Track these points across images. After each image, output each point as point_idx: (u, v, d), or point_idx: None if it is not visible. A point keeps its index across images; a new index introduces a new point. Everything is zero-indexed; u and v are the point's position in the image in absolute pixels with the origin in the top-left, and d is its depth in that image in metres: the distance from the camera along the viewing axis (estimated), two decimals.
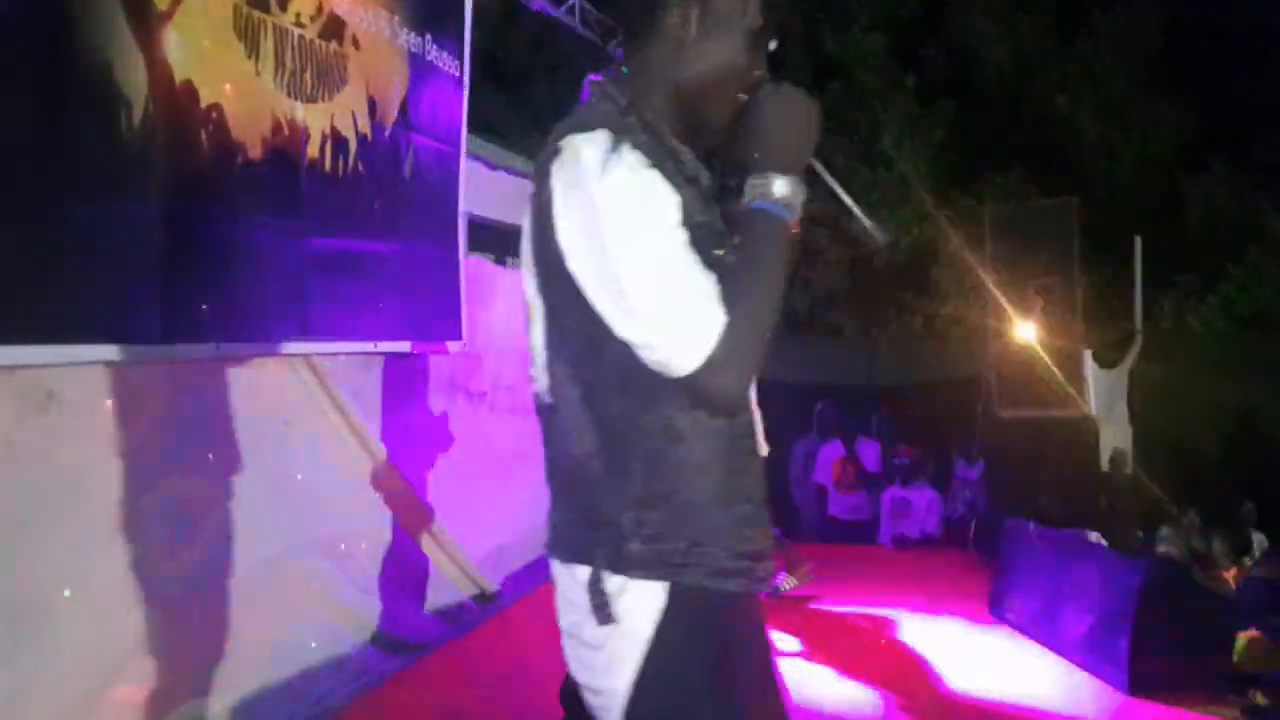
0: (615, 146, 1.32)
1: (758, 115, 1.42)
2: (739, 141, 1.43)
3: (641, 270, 1.30)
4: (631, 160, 1.32)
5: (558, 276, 1.37)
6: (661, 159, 1.37)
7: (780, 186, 1.38)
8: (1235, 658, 4.31)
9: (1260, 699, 3.99)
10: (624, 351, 1.34)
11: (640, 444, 1.39)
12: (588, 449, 1.40)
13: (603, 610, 1.38)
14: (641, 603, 1.38)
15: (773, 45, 1.49)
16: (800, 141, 1.42)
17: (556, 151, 1.35)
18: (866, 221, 1.48)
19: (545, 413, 1.48)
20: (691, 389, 1.32)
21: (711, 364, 1.30)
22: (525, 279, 1.48)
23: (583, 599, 1.40)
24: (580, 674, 1.46)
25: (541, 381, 1.47)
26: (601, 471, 1.40)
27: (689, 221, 1.34)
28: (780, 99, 1.43)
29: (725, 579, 1.40)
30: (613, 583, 1.38)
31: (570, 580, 1.43)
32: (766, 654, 1.56)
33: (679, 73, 1.45)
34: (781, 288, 1.37)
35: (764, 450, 1.68)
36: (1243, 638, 4.45)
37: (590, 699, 1.45)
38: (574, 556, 1.43)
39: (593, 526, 1.41)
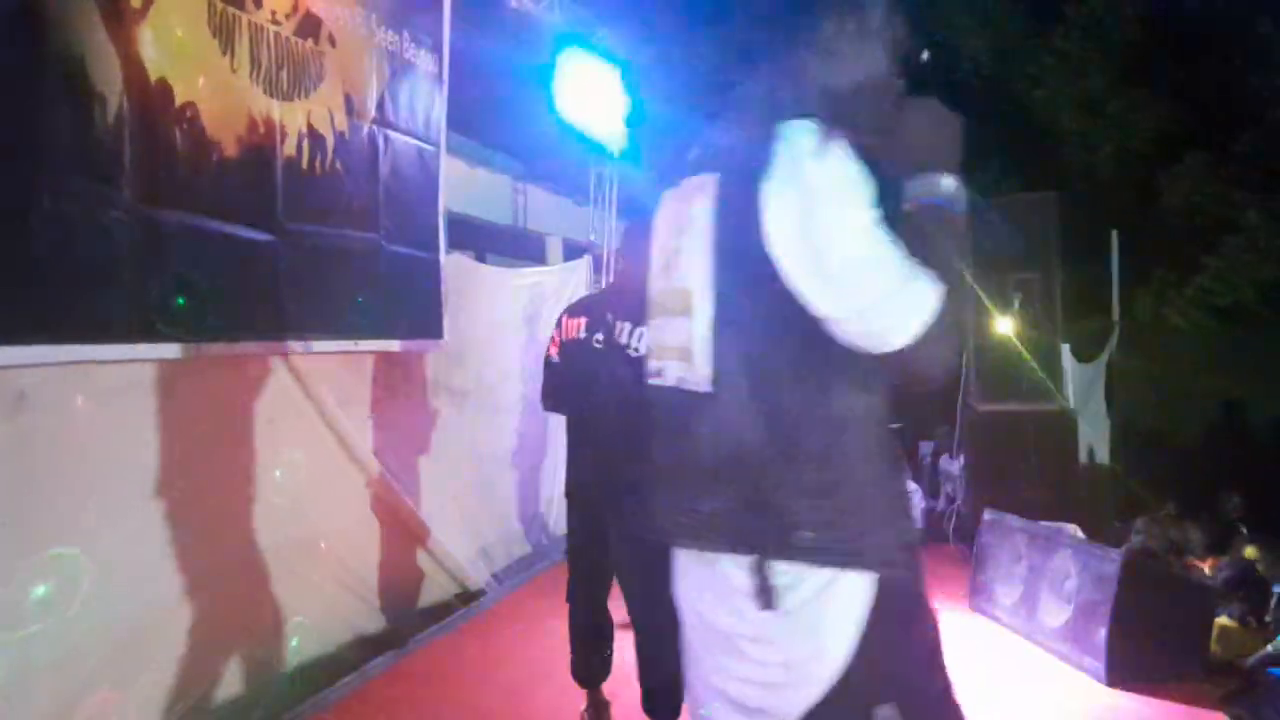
0: (826, 134, 1.39)
1: (916, 121, 1.52)
2: (889, 145, 1.50)
3: (861, 249, 1.36)
4: (840, 147, 1.39)
5: (747, 260, 1.41)
6: None
7: (948, 184, 1.48)
8: (1212, 645, 4.36)
9: (1230, 686, 4.03)
10: (803, 341, 1.40)
11: (813, 433, 1.42)
12: (757, 438, 1.43)
13: (766, 595, 1.41)
14: (817, 590, 1.41)
15: (925, 55, 1.67)
16: (954, 146, 1.52)
17: (767, 141, 1.40)
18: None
19: (699, 402, 1.49)
20: (905, 361, 1.37)
21: (928, 336, 1.36)
22: (682, 269, 1.53)
23: (746, 585, 1.42)
24: (744, 670, 1.46)
25: (699, 371, 1.49)
26: (771, 460, 1.43)
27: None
28: (933, 107, 1.53)
29: (893, 566, 1.44)
30: (782, 570, 1.41)
31: (731, 568, 1.45)
32: (933, 634, 1.66)
33: (830, 79, 1.51)
34: (957, 280, 1.43)
35: None
36: (1218, 625, 4.50)
37: (756, 697, 1.46)
38: (736, 545, 1.45)
39: (759, 514, 1.43)
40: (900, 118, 1.52)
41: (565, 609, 3.52)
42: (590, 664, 3.50)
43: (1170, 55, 10.64)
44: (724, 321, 1.46)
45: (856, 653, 1.40)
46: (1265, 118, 10.31)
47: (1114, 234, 7.22)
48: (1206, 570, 5.34)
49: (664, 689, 3.23)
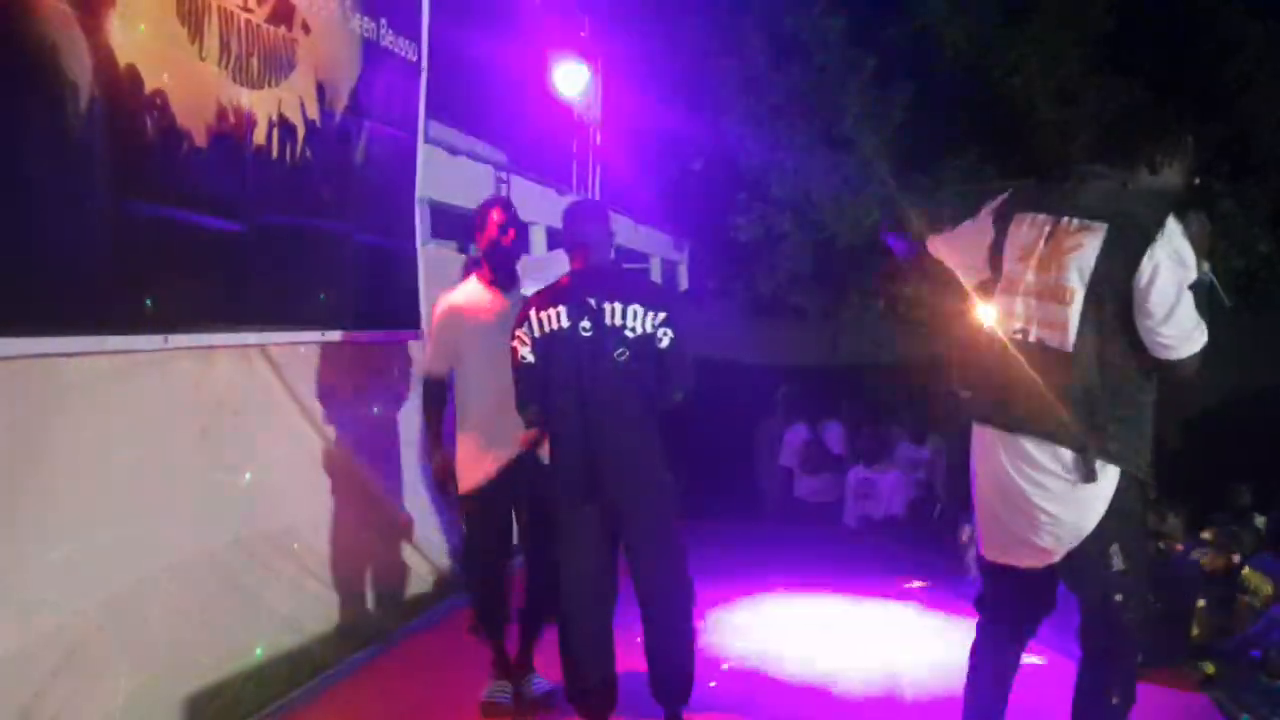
0: (1185, 233, 2.46)
1: (1200, 225, 2.50)
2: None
3: (1187, 300, 2.45)
4: (1186, 242, 2.45)
5: (1119, 283, 2.46)
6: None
7: (1205, 269, 2.48)
8: (1194, 630, 4.39)
9: (1209, 669, 4.06)
10: (1130, 339, 2.50)
11: (1126, 385, 2.53)
12: (1094, 382, 2.50)
13: (1090, 475, 2.50)
14: (1111, 477, 2.51)
15: (1197, 180, 2.70)
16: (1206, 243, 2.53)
17: (1159, 225, 2.44)
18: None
19: (1061, 356, 2.53)
20: (1174, 366, 2.51)
21: (1193, 360, 2.51)
22: (1065, 273, 2.53)
23: (1068, 467, 2.52)
24: (1049, 505, 2.55)
25: (1066, 336, 2.52)
26: (1099, 396, 2.50)
27: None
28: (1204, 219, 2.53)
29: (1149, 477, 2.59)
30: (1097, 462, 2.49)
31: (1054, 456, 2.53)
32: (1140, 509, 2.73)
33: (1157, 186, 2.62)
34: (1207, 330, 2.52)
35: None
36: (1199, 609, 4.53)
37: (1048, 524, 2.58)
38: (1069, 444, 2.51)
39: (1088, 428, 2.50)
40: (1187, 221, 2.47)
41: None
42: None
43: (1144, 43, 10.68)
44: (1090, 312, 2.48)
45: (1105, 515, 2.52)
46: (1238, 106, 10.36)
47: None
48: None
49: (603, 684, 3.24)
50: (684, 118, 10.80)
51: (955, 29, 11.25)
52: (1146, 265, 2.40)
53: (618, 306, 3.12)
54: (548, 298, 3.24)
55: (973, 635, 3.05)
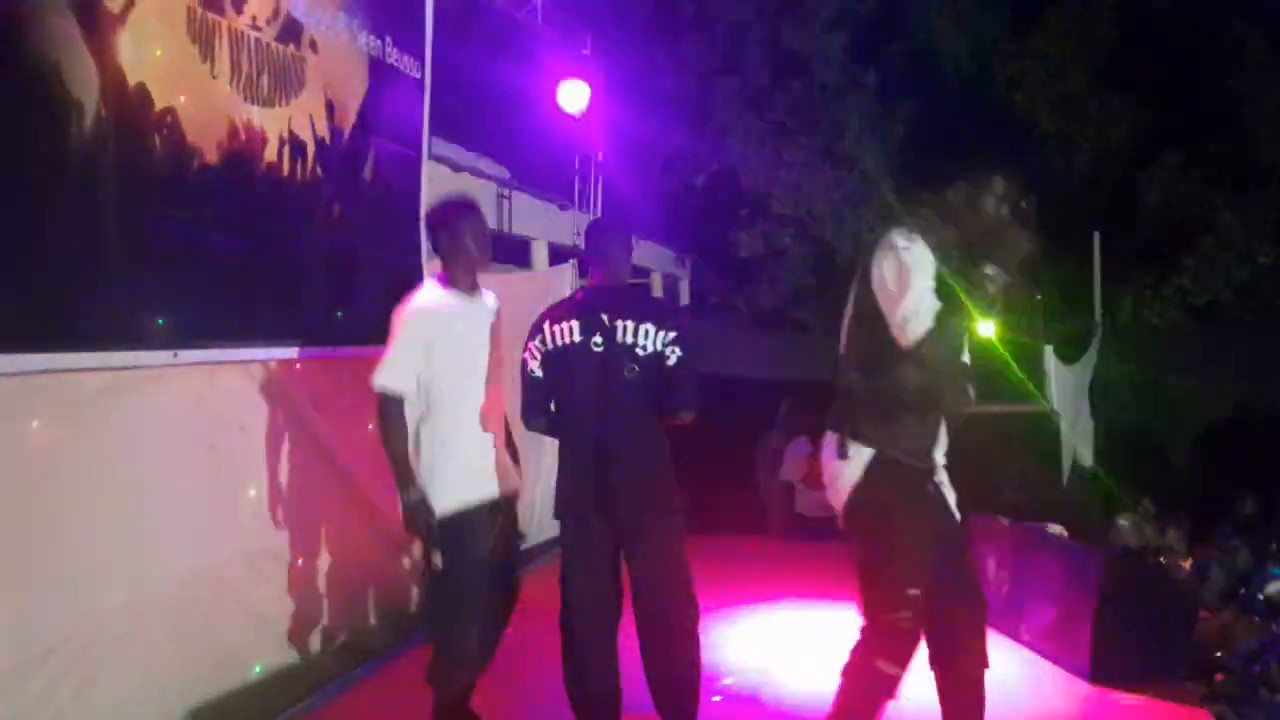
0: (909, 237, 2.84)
1: (936, 235, 2.88)
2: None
3: (912, 294, 2.77)
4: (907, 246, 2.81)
5: (870, 300, 2.87)
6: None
7: (990, 270, 2.84)
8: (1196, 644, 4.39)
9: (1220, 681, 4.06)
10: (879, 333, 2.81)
11: (885, 376, 2.85)
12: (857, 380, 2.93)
13: (844, 451, 2.85)
14: (862, 458, 2.84)
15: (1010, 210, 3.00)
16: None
17: (885, 238, 2.88)
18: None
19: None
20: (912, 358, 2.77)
21: (934, 349, 2.74)
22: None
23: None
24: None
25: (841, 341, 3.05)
26: (852, 392, 2.92)
27: None
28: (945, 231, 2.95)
29: (910, 459, 2.88)
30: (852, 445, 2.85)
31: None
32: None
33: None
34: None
35: None
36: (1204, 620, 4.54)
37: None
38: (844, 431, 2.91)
39: (868, 416, 2.86)
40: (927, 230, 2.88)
41: (551, 610, 3.36)
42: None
43: (1147, 57, 10.75)
44: (851, 324, 2.98)
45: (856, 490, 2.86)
46: (1239, 118, 10.42)
47: (1096, 235, 7.25)
48: (1187, 569, 5.38)
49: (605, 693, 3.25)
50: (686, 134, 10.87)
51: (957, 44, 11.33)
52: (874, 271, 2.81)
53: (630, 324, 3.16)
54: (560, 313, 3.28)
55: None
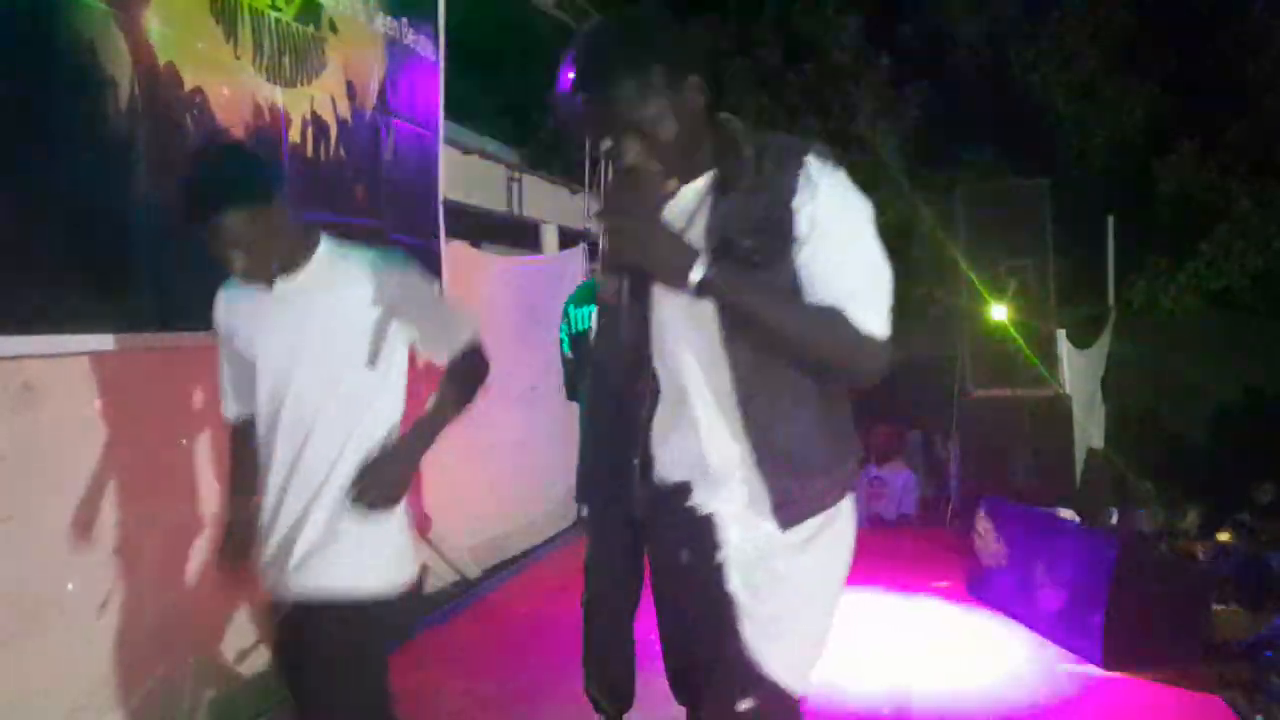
0: None
1: None
2: None
3: None
4: None
5: None
6: None
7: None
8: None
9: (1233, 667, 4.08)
10: None
11: None
12: None
13: None
14: None
15: None
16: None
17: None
18: None
19: None
20: None
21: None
22: None
23: None
24: None
25: None
26: None
27: None
28: None
29: None
30: None
31: None
32: None
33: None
34: None
35: None
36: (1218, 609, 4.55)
37: None
38: None
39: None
40: None
41: (564, 598, 3.41)
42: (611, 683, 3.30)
43: (1163, 41, 10.66)
44: None
45: None
46: (1256, 105, 10.34)
47: (1110, 220, 7.22)
48: (1199, 554, 5.40)
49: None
50: None
51: (971, 27, 11.24)
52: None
53: None
54: (584, 297, 3.42)
55: (988, 634, 3.06)
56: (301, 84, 3.74)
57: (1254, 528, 5.36)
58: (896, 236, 10.56)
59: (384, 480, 2.07)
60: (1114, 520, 6.06)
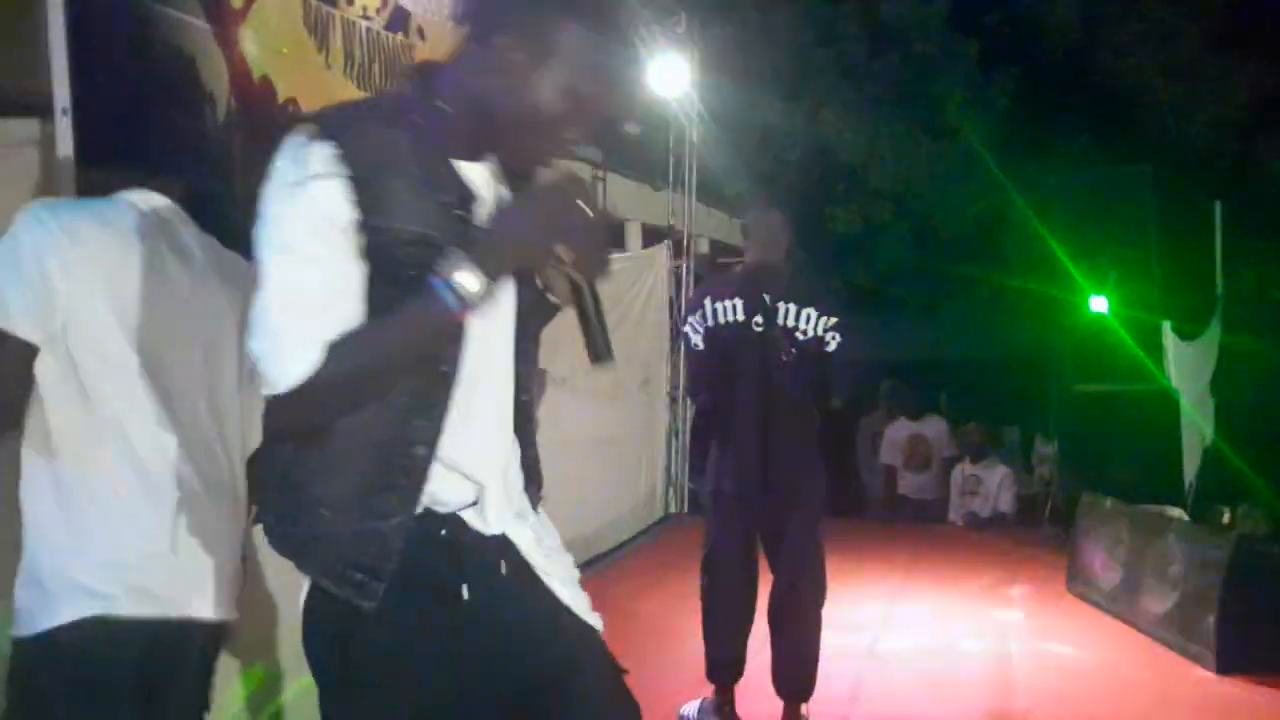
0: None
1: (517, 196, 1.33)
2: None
3: None
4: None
5: None
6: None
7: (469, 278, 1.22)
8: None
9: None
10: None
11: None
12: None
13: None
14: None
15: (635, 130, 1.47)
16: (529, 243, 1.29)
17: None
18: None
19: None
20: None
21: None
22: None
23: None
24: None
25: None
26: None
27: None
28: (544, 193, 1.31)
29: None
30: None
31: None
32: None
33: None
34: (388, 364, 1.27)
35: None
36: None
37: None
38: None
39: None
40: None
41: (645, 597, 3.49)
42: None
43: (1265, 15, 10.20)
44: None
45: None
46: None
47: (1218, 205, 6.91)
48: None
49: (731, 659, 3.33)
50: (780, 108, 10.71)
51: (1061, 11, 10.93)
52: None
53: (793, 307, 3.19)
54: (723, 290, 3.34)
55: (1091, 635, 2.97)
56: None
57: None
58: (990, 227, 10.32)
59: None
60: (1225, 520, 5.80)
